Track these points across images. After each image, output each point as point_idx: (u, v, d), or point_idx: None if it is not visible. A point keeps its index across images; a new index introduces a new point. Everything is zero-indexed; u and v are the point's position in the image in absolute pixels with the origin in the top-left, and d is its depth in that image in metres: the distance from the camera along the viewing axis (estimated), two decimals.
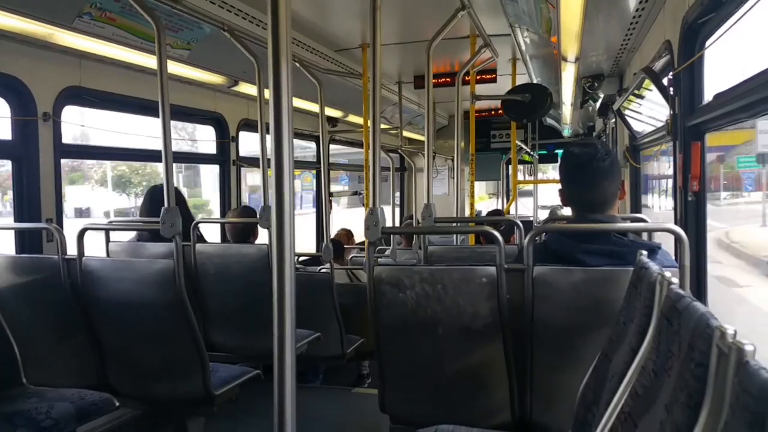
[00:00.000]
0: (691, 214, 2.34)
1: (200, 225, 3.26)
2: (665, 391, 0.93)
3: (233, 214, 3.76)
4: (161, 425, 2.80)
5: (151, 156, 3.93)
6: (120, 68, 3.23)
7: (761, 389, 0.62)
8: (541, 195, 9.21)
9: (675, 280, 1.08)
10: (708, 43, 2.09)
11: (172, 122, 2.28)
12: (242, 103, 4.51)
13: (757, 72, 1.68)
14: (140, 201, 3.55)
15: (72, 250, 2.37)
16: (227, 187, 4.50)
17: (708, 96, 2.29)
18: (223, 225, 4.22)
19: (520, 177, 9.49)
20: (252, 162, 4.63)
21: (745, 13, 1.71)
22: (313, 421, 3.02)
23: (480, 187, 12.98)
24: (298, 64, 3.68)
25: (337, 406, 3.40)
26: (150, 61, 3.05)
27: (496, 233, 1.80)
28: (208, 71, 3.70)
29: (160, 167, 2.45)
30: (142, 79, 3.34)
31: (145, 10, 2.27)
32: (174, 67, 3.32)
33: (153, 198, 3.26)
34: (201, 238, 3.35)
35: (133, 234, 3.39)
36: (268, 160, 3.55)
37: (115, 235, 3.18)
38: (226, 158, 4.48)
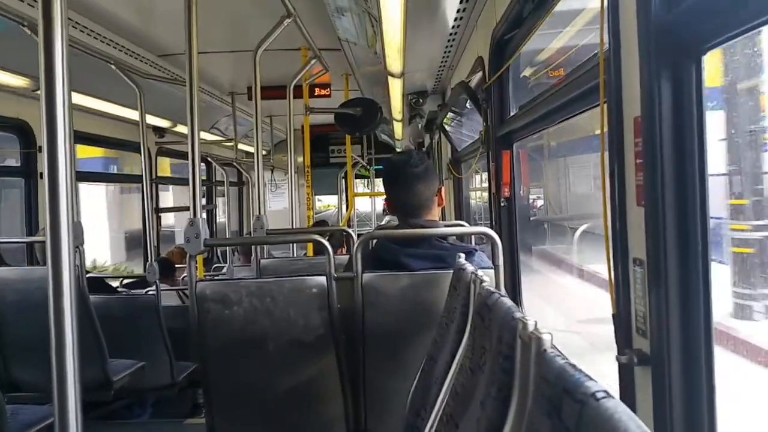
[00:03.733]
0: (504, 218, 2.53)
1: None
2: (480, 388, 0.94)
3: (43, 234, 3.30)
4: None
5: None
6: None
7: (557, 376, 0.64)
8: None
9: (487, 278, 1.12)
10: (514, 57, 2.29)
11: None
12: None
13: (549, 86, 1.87)
14: None
15: None
16: (34, 204, 3.94)
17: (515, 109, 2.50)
18: (30, 246, 3.71)
19: (360, 191, 9.73)
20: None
21: (536, 27, 1.90)
22: None
23: (330, 201, 13.10)
24: (114, 67, 3.36)
25: None
26: None
27: (325, 242, 1.77)
28: (7, 72, 3.21)
29: None
30: None
31: None
32: None
33: None
34: (1, 261, 2.90)
35: None
36: (77, 172, 3.14)
37: None
38: (32, 171, 3.91)
